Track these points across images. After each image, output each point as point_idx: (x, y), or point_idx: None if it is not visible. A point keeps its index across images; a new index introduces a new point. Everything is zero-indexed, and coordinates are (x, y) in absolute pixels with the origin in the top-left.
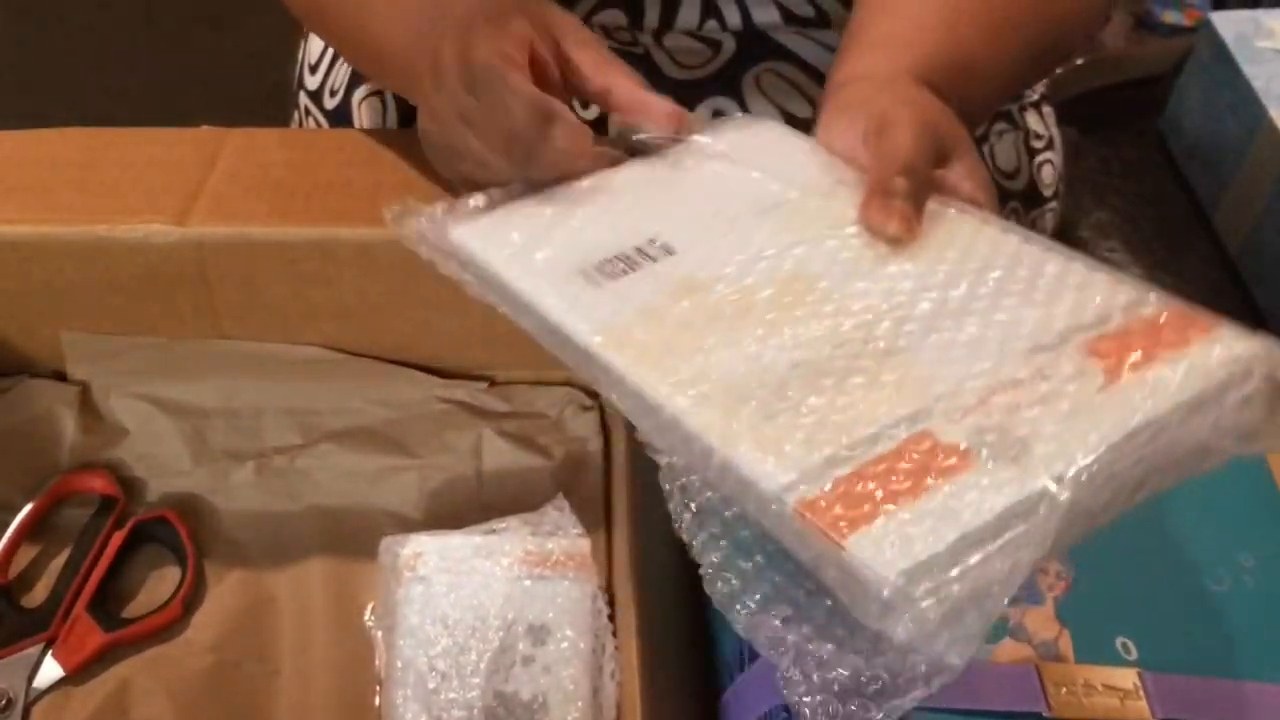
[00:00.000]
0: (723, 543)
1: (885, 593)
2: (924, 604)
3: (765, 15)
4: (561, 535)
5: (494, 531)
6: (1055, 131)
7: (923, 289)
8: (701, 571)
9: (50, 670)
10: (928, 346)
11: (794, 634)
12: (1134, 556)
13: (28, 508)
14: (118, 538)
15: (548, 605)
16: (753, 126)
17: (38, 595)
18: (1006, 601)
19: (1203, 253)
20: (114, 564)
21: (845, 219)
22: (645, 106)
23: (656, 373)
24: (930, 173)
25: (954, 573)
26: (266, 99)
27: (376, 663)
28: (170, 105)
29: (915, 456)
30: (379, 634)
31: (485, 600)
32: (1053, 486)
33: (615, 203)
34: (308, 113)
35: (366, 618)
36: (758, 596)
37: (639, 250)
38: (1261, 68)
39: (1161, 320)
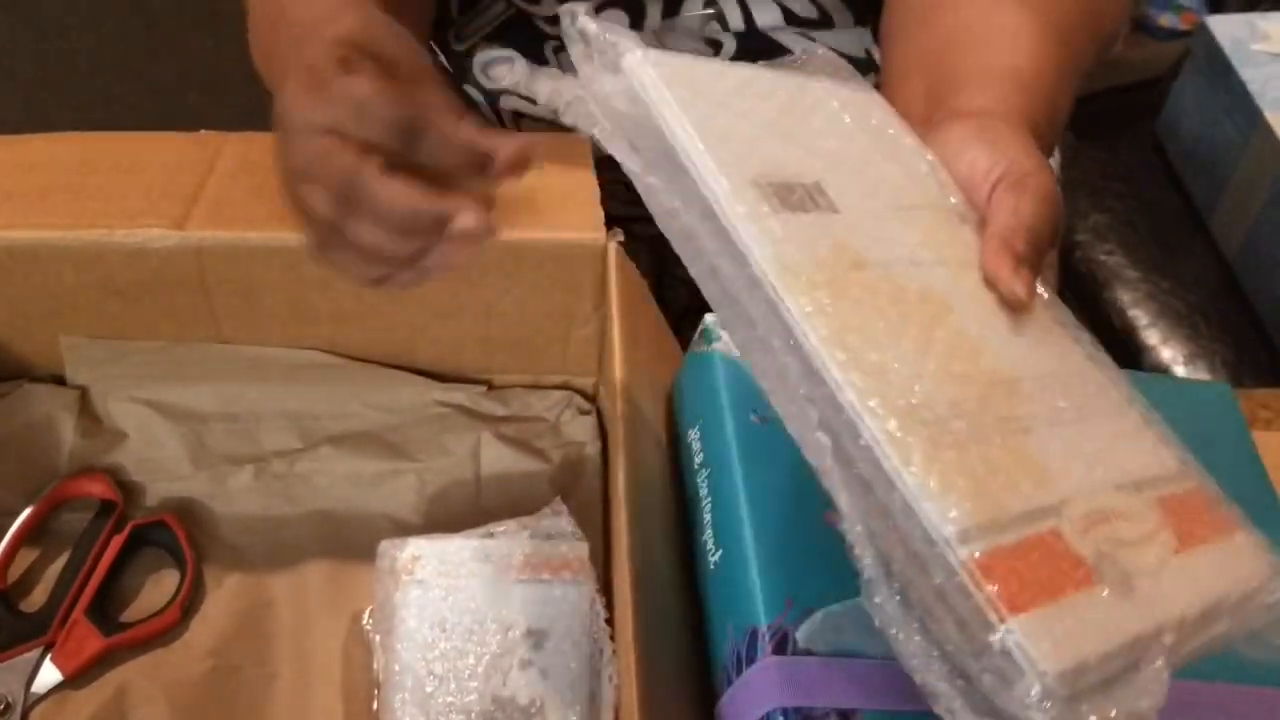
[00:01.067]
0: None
1: (1037, 687)
2: (1080, 708)
3: (768, 18)
4: (559, 539)
5: (492, 535)
6: None
7: (1043, 374)
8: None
9: (49, 675)
10: (1052, 437)
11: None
12: None
13: (26, 512)
14: (116, 542)
15: (545, 609)
16: (865, 95)
17: (36, 599)
18: None
19: (1200, 256)
20: (112, 568)
21: (972, 255)
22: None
23: (860, 373)
24: (1046, 248)
25: (1106, 689)
26: (267, 105)
27: (374, 666)
28: (170, 109)
29: (1052, 553)
30: (377, 638)
31: (483, 604)
32: (1167, 634)
33: (786, 119)
34: None
35: (364, 621)
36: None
37: (810, 191)
38: (1257, 71)
39: (1197, 496)
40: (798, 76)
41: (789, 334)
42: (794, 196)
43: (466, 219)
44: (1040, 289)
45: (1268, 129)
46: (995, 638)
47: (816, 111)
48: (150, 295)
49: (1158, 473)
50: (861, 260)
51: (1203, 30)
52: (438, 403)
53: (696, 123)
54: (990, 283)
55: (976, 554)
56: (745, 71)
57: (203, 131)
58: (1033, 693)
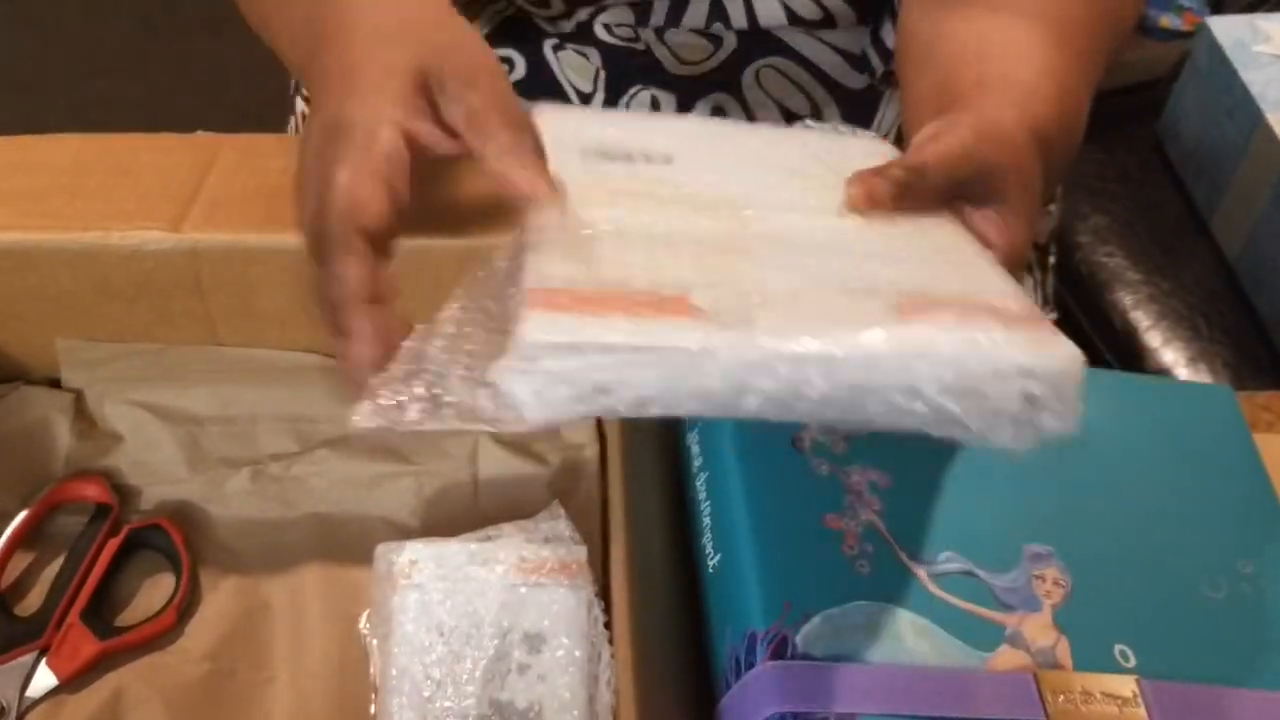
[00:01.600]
0: None
1: (519, 353)
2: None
3: (771, 17)
4: (557, 542)
5: (489, 538)
6: None
7: (826, 228)
8: None
9: (44, 679)
10: (775, 261)
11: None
12: (1132, 564)
13: (21, 515)
14: (112, 545)
15: (543, 613)
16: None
17: (31, 603)
18: (607, 408)
19: (1201, 257)
20: (108, 572)
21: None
22: (506, 181)
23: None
24: (939, 185)
25: (571, 363)
26: (265, 105)
27: (372, 670)
28: (169, 112)
29: (652, 300)
30: (374, 642)
31: (480, 608)
32: (722, 349)
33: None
34: (304, 119)
35: (361, 625)
36: None
37: (645, 154)
38: (1259, 72)
39: (1004, 308)
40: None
41: None
42: (617, 154)
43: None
44: (948, 222)
45: (1269, 130)
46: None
47: (752, 131)
48: (146, 297)
49: (937, 289)
50: (659, 180)
51: (1204, 31)
52: None
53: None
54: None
55: (549, 284)
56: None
57: (199, 133)
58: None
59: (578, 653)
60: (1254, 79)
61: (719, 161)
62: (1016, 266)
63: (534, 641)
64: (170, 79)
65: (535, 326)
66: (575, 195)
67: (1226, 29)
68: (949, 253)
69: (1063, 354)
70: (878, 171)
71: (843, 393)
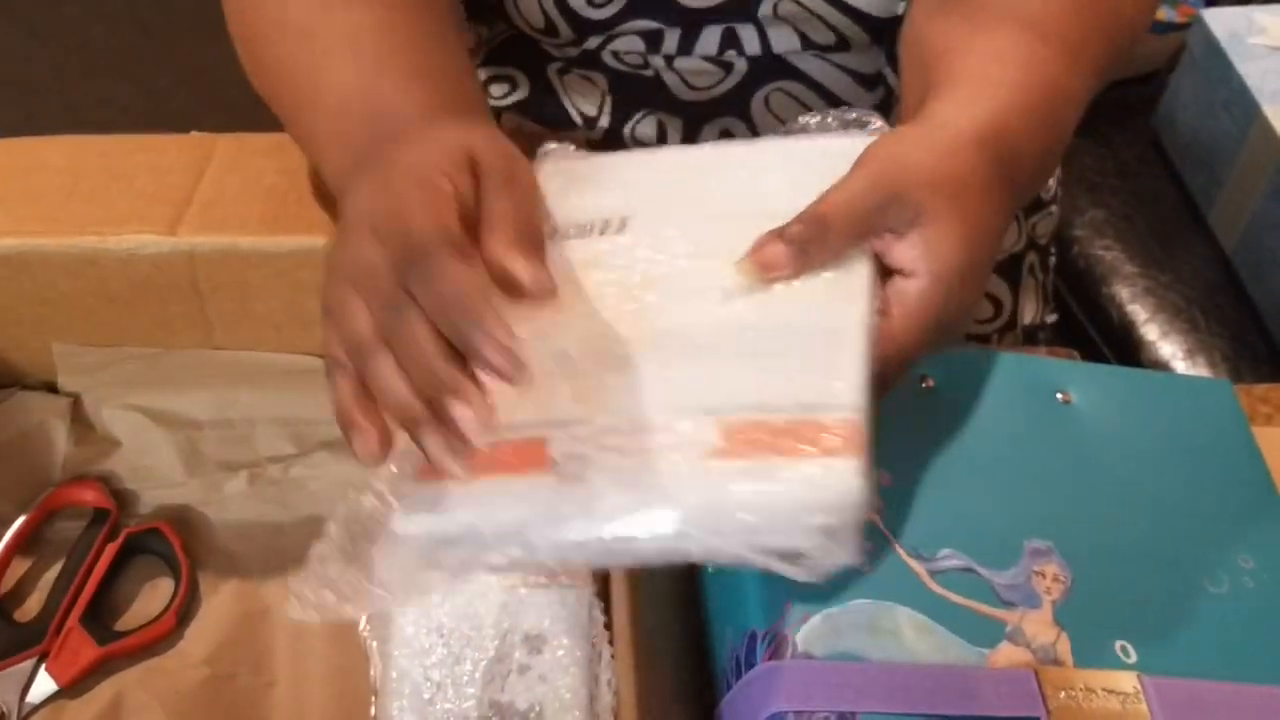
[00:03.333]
0: None
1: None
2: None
3: (785, 43)
4: None
5: None
6: None
7: (722, 312)
8: None
9: (44, 684)
10: (640, 375)
11: None
12: (1132, 559)
13: (20, 521)
14: (111, 550)
15: (543, 614)
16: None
17: (30, 609)
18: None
19: (1198, 250)
20: (107, 576)
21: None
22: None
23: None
24: (846, 231)
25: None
26: (259, 106)
27: (371, 673)
28: (163, 112)
29: (520, 452)
30: (374, 644)
31: (480, 609)
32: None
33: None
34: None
35: (361, 628)
36: None
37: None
38: (1255, 64)
39: (826, 423)
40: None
41: None
42: (579, 228)
43: (463, 410)
44: (864, 264)
45: (1265, 122)
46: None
47: (724, 161)
48: (143, 301)
49: (770, 401)
50: (597, 264)
51: (1199, 23)
52: None
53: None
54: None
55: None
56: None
57: (193, 133)
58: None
59: (578, 653)
60: (1250, 71)
61: (676, 213)
62: (949, 289)
63: (534, 642)
64: (166, 80)
65: (403, 513)
66: None
67: (1222, 21)
68: (819, 336)
69: (846, 488)
70: (778, 233)
71: (661, 548)
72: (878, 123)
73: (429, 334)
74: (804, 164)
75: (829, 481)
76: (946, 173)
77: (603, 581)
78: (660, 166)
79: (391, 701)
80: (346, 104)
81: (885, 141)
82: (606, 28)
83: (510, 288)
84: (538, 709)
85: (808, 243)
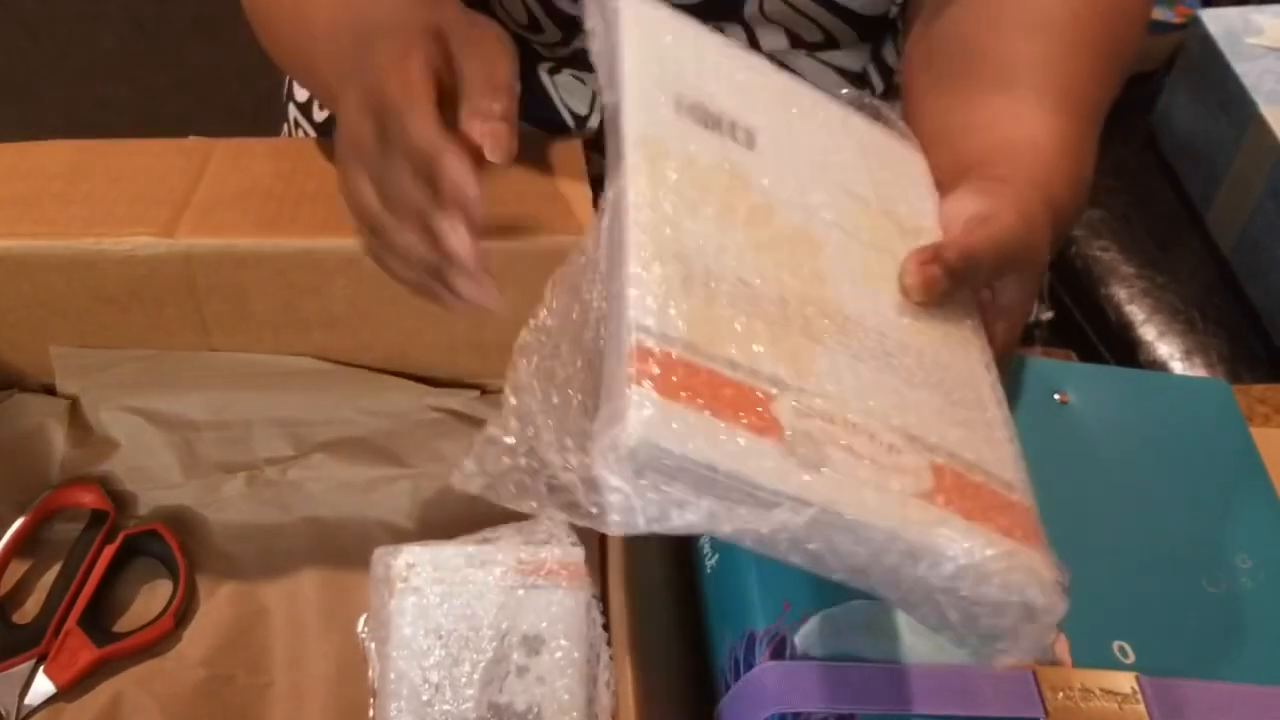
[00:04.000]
0: None
1: (620, 440)
2: (631, 479)
3: (773, 43)
4: (555, 544)
5: (487, 541)
6: None
7: (888, 330)
8: None
9: (42, 686)
10: (850, 364)
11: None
12: (1131, 560)
13: (18, 523)
14: (108, 552)
15: (541, 615)
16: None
17: (29, 611)
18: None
19: (1196, 250)
20: (105, 578)
21: (885, 244)
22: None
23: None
24: (979, 276)
25: (669, 479)
26: (258, 109)
27: (370, 674)
28: (162, 115)
29: (747, 400)
30: (372, 646)
31: (479, 610)
32: (808, 505)
33: (761, 88)
34: (297, 124)
35: (359, 629)
36: None
37: (734, 126)
38: (1251, 64)
39: (1010, 502)
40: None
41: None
42: (709, 117)
43: (457, 241)
44: (968, 321)
45: (1262, 122)
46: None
47: (816, 109)
48: (140, 303)
49: (966, 456)
50: (745, 180)
51: (1196, 23)
52: (431, 408)
53: (641, 48)
54: (901, 266)
55: (651, 343)
56: (742, 53)
57: (191, 138)
58: (611, 441)
59: (576, 654)
60: (1247, 71)
61: (793, 156)
62: (1011, 345)
63: (532, 644)
64: (164, 82)
65: (639, 421)
66: (667, 171)
67: (1219, 21)
68: (961, 386)
69: (1048, 585)
70: (934, 257)
71: (874, 570)
72: (891, 115)
73: (411, 180)
74: (872, 152)
75: (1034, 568)
76: (1040, 245)
77: (601, 583)
78: (765, 84)
79: (389, 703)
80: (334, 25)
81: (1018, 196)
82: None
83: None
84: (536, 710)
85: (961, 277)
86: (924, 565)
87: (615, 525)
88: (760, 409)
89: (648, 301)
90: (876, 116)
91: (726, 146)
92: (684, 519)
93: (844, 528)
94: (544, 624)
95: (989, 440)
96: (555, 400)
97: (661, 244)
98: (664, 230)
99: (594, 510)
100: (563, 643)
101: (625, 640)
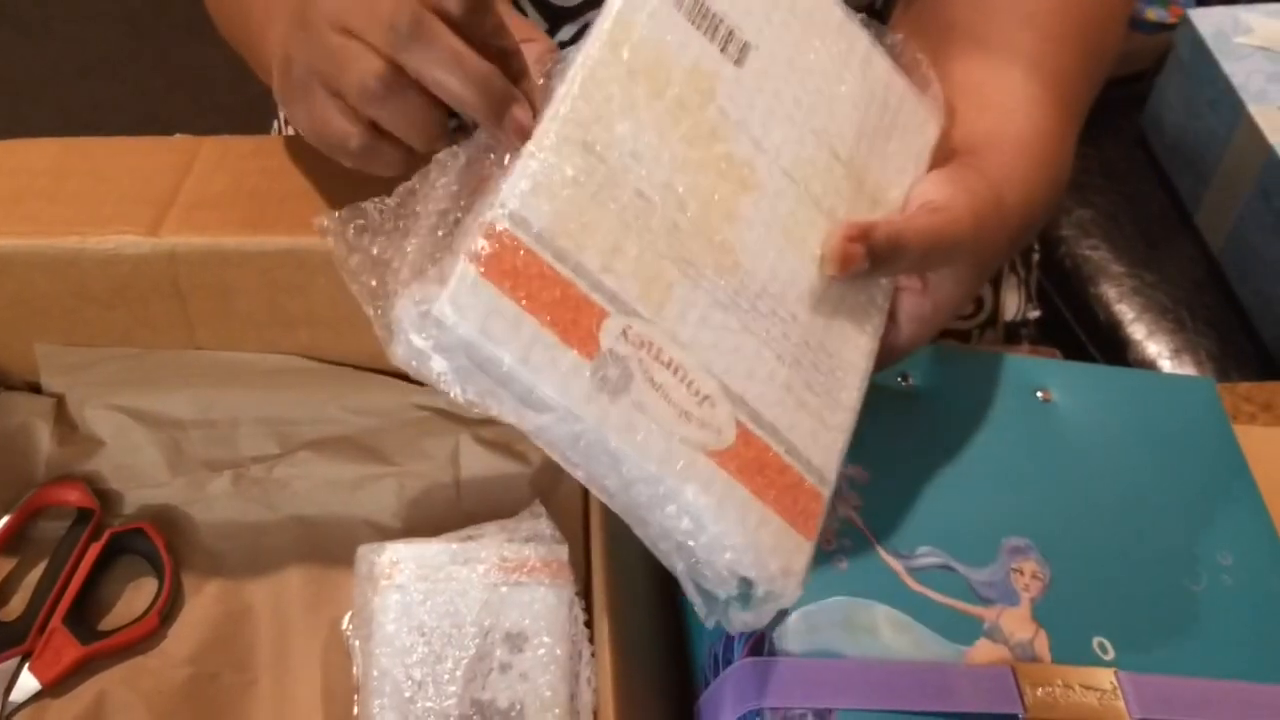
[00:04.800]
0: None
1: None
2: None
3: None
4: (538, 541)
5: (471, 538)
6: None
7: (777, 291)
8: None
9: (27, 683)
10: (712, 307)
11: None
12: (1112, 556)
13: (3, 521)
14: (94, 550)
15: (525, 612)
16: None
17: (14, 608)
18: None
19: (1185, 250)
20: (90, 576)
21: (826, 199)
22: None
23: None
24: (902, 264)
25: (455, 350)
26: (251, 109)
27: (354, 672)
28: (156, 114)
29: (576, 308)
30: (356, 643)
31: (462, 607)
32: (578, 420)
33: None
34: (287, 122)
35: (344, 627)
36: None
37: (731, 34)
38: (1240, 64)
39: (804, 487)
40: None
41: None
42: (706, 17)
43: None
44: (871, 308)
45: (1251, 122)
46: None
47: (841, 42)
48: (125, 301)
49: (784, 432)
50: (707, 94)
51: (1185, 23)
52: (416, 406)
53: None
54: (825, 234)
55: (504, 225)
56: None
57: (178, 135)
58: (421, 296)
59: (559, 651)
60: (1235, 70)
61: (779, 86)
62: (921, 340)
63: (515, 640)
64: (160, 83)
65: (450, 291)
66: (624, 54)
67: (1208, 21)
68: (832, 372)
69: (793, 568)
70: (861, 235)
71: (621, 498)
72: (931, 74)
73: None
74: (879, 106)
75: (783, 549)
76: (987, 240)
77: (584, 580)
78: (800, 3)
79: (372, 700)
80: None
81: (975, 196)
82: (576, 15)
83: None
84: (519, 707)
85: (883, 262)
86: (669, 511)
87: (396, 359)
88: (586, 320)
89: (523, 185)
90: (914, 70)
91: (707, 53)
92: (463, 390)
93: (606, 454)
94: (527, 621)
95: (820, 425)
96: (424, 224)
97: (574, 131)
98: (584, 117)
99: (382, 333)
100: (545, 639)
101: (607, 637)
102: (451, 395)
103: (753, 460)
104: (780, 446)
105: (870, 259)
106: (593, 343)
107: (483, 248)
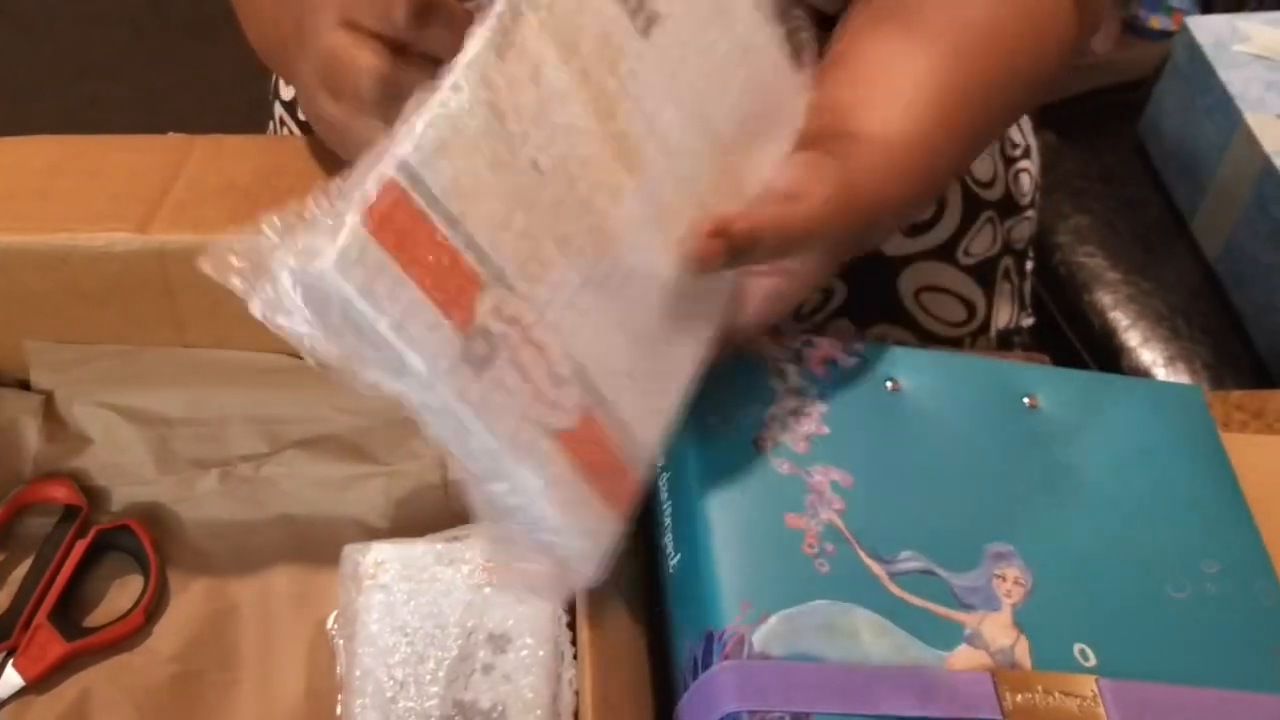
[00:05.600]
0: None
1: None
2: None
3: None
4: None
5: (456, 539)
6: (1033, 139)
7: (639, 271)
8: None
9: (11, 680)
10: (582, 288)
11: None
12: (1095, 563)
13: None
14: (80, 547)
15: (508, 613)
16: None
17: None
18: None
19: (1181, 257)
20: (76, 573)
21: (703, 204)
22: None
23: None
24: (760, 255)
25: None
26: (253, 108)
27: (339, 671)
28: (159, 116)
29: (459, 277)
30: (340, 642)
31: (445, 608)
32: (433, 389)
33: None
34: (282, 122)
35: (329, 626)
36: None
37: (644, 5)
38: (1238, 72)
39: (624, 469)
40: None
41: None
42: None
43: None
44: (720, 290)
45: (1247, 130)
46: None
47: (738, 25)
48: (115, 299)
49: (621, 414)
50: (611, 64)
51: (1184, 31)
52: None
53: None
54: (688, 228)
55: (400, 180)
56: None
57: (172, 134)
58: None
59: (541, 652)
60: (1233, 78)
61: (678, 61)
62: (771, 310)
63: (499, 642)
64: (162, 83)
65: (331, 248)
66: (533, 17)
67: (1206, 28)
68: (671, 353)
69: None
70: (720, 230)
71: (462, 460)
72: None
73: None
74: (764, 93)
75: (597, 531)
76: (841, 235)
77: None
78: None
79: (354, 699)
80: None
81: (831, 173)
82: None
83: None
84: (500, 708)
85: (739, 254)
86: (500, 488)
87: (254, 309)
88: (466, 292)
89: (426, 139)
90: (800, 51)
91: (618, 20)
92: (325, 345)
93: (456, 423)
94: (510, 622)
95: (650, 409)
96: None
97: (481, 90)
98: (493, 77)
99: (236, 283)
100: (528, 641)
101: (588, 639)
102: (308, 350)
103: (590, 442)
104: (617, 431)
105: (727, 254)
106: (469, 315)
107: (375, 200)
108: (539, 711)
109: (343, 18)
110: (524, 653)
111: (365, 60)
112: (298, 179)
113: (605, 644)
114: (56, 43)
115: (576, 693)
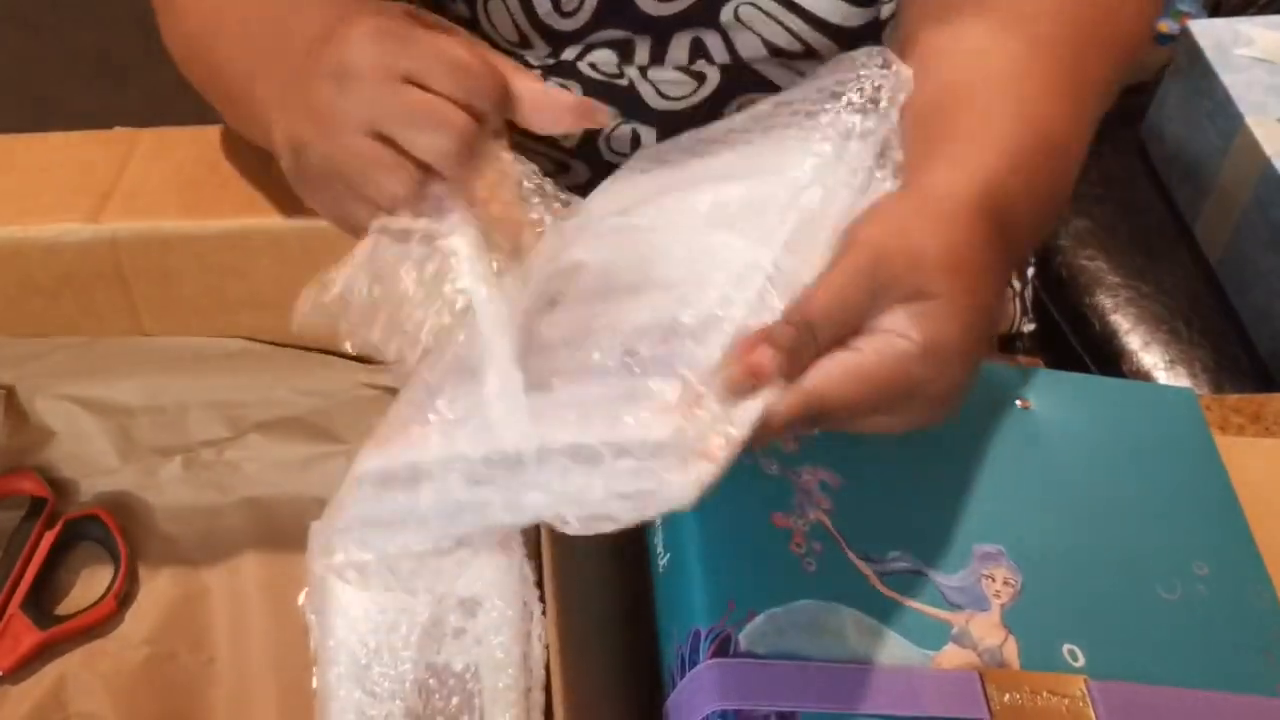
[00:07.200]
0: None
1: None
2: None
3: (752, 50)
4: None
5: None
6: None
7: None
8: None
9: None
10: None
11: None
12: (1085, 564)
13: None
14: (49, 537)
15: (475, 576)
16: None
17: None
18: None
19: (1182, 261)
20: (46, 563)
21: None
22: (552, 100)
23: None
24: (833, 335)
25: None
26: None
27: (312, 645)
28: (166, 117)
29: None
30: (313, 617)
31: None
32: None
33: None
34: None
35: (301, 602)
36: None
37: None
38: (1239, 75)
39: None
40: None
41: None
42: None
43: None
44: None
45: (1249, 134)
46: None
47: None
48: (69, 290)
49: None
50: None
51: (1186, 34)
52: (364, 385)
53: None
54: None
55: None
56: None
57: (117, 128)
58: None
59: (510, 612)
60: (1234, 82)
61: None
62: (941, 364)
63: (468, 605)
64: (165, 82)
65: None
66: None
67: (1208, 32)
68: None
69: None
70: (767, 336)
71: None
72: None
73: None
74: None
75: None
76: (946, 248)
77: (533, 543)
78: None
79: (329, 670)
80: (249, 31)
81: (878, 220)
82: (578, 38)
83: None
84: (473, 669)
85: (799, 349)
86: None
87: None
88: None
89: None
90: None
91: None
92: None
93: None
94: (479, 586)
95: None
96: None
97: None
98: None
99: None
100: (497, 602)
101: (551, 592)
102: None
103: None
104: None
105: (784, 354)
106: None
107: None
108: (510, 670)
109: (373, 129)
110: (494, 614)
111: (397, 186)
112: (241, 164)
113: (567, 593)
114: (64, 44)
115: (546, 646)
